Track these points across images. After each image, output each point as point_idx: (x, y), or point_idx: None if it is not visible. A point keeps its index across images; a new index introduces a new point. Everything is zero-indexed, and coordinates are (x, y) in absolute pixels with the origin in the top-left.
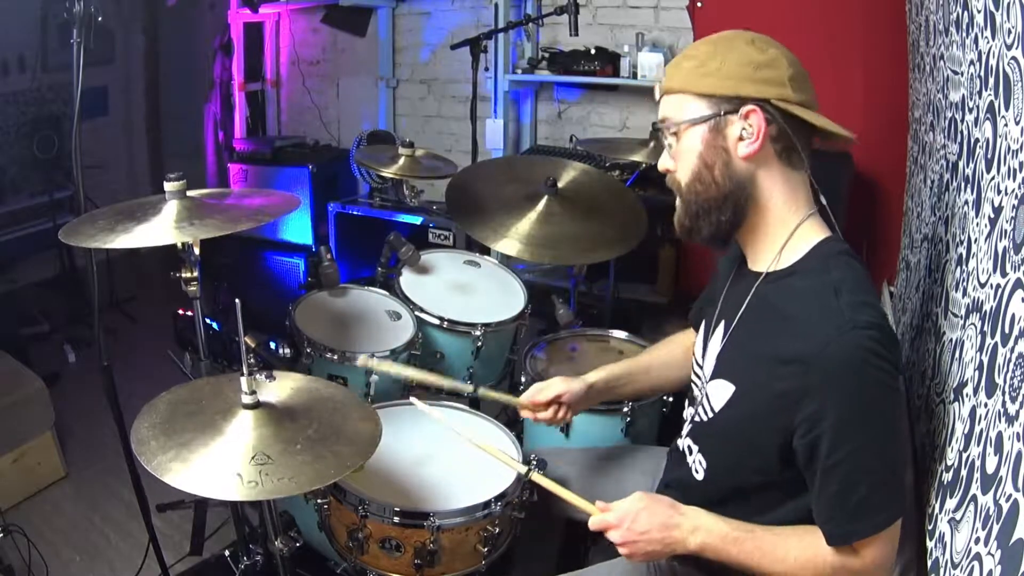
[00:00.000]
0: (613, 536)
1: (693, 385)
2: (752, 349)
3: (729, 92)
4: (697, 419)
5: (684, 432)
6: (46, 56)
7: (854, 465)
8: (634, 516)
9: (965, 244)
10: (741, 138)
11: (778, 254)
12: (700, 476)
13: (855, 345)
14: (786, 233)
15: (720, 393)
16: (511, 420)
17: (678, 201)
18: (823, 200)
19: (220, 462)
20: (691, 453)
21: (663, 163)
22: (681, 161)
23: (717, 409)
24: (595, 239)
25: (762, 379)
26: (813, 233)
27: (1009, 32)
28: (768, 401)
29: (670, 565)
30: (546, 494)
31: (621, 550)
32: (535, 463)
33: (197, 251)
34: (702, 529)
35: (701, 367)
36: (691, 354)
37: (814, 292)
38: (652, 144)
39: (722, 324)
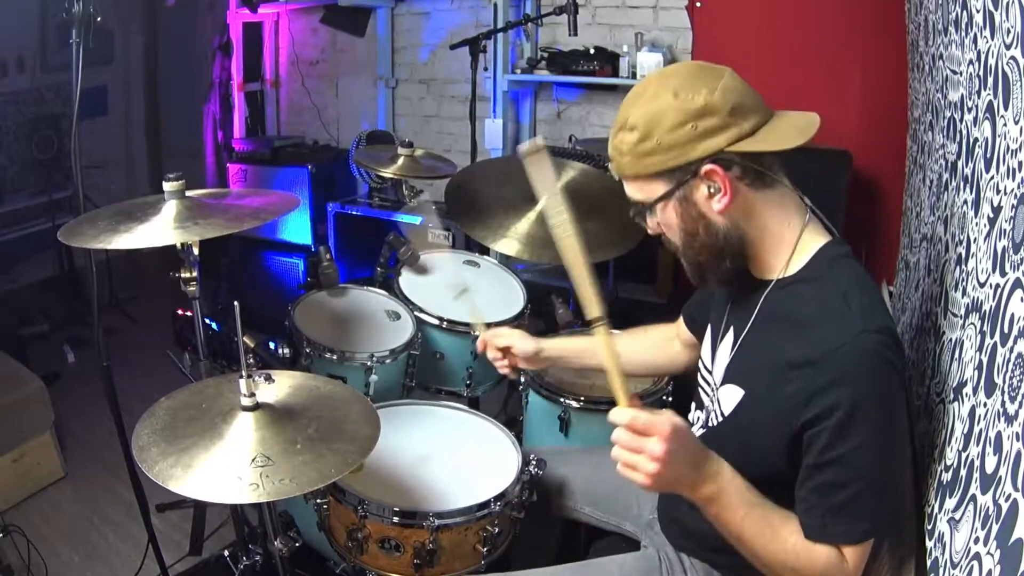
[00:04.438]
0: (636, 443)
1: (701, 391)
2: (762, 355)
3: (679, 163)
4: (708, 424)
5: None
6: (45, 56)
7: (848, 464)
8: (668, 438)
9: (964, 244)
10: (711, 195)
11: (785, 264)
12: None
13: (867, 348)
14: (789, 246)
15: (730, 398)
16: (510, 420)
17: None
18: (807, 201)
19: (221, 466)
20: None
21: (652, 229)
22: (667, 231)
23: (727, 414)
24: (594, 239)
25: (772, 383)
26: (814, 239)
27: (1008, 32)
28: (776, 404)
29: (677, 556)
30: (544, 494)
31: (635, 473)
32: (535, 461)
33: (196, 251)
34: (723, 476)
35: (711, 372)
36: (665, 345)
37: (823, 297)
38: None
39: (731, 331)
